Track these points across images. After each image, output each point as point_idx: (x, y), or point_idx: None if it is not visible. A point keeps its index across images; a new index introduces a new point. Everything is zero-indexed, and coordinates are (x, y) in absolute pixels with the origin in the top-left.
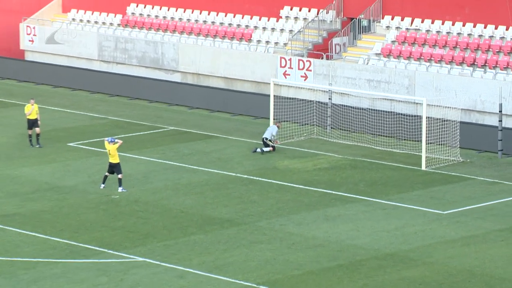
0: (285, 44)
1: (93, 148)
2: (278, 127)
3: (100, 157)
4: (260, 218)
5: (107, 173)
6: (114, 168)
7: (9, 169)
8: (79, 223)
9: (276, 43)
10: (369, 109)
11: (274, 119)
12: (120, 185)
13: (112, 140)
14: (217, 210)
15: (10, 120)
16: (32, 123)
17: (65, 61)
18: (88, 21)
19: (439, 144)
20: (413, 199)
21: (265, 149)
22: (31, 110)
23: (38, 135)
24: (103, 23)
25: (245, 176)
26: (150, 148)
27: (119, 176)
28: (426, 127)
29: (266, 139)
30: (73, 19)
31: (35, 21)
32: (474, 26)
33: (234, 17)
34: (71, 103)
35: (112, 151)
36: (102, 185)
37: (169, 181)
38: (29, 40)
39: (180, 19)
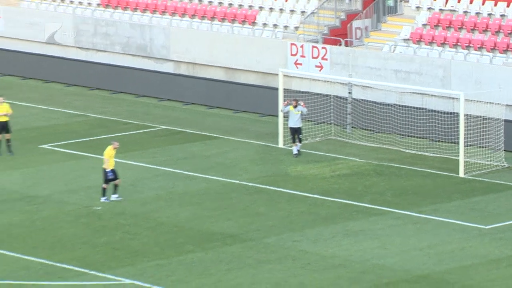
0: (296, 28)
1: (70, 151)
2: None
3: (78, 161)
4: (268, 233)
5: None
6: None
7: None
8: (55, 239)
9: (286, 27)
10: (397, 105)
11: (290, 100)
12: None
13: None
14: (218, 224)
15: None
16: (1, 127)
17: (35, 48)
18: (62, 0)
19: (480, 147)
20: (449, 211)
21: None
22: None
23: (8, 140)
24: (80, 3)
25: (251, 184)
26: (138, 151)
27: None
28: (465, 127)
29: (299, 129)
30: None
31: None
32: None
33: None
34: (44, 97)
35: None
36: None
37: (161, 190)
38: None
39: None
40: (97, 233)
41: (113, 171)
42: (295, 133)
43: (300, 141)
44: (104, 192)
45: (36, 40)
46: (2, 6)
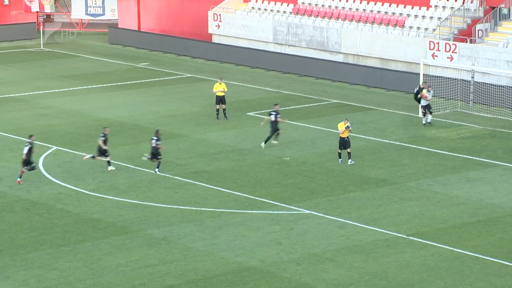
0: (434, 30)
1: (268, 117)
2: (429, 91)
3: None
4: (410, 179)
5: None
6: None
7: (199, 134)
8: (256, 180)
9: (426, 29)
10: (508, 86)
11: (424, 83)
12: (349, 158)
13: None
14: (373, 171)
15: (200, 92)
16: (220, 100)
17: (245, 43)
18: (265, 9)
19: None
20: None
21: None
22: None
23: (224, 110)
24: (278, 11)
25: (397, 143)
26: (316, 118)
27: (348, 150)
28: None
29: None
30: (253, 8)
31: (221, 9)
32: None
33: (389, 6)
34: (251, 78)
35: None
36: (351, 161)
37: (332, 146)
38: (216, 26)
39: (343, 7)
40: (285, 176)
41: (344, 139)
42: (426, 108)
43: (431, 113)
44: (340, 155)
45: (245, 38)
46: (223, 13)
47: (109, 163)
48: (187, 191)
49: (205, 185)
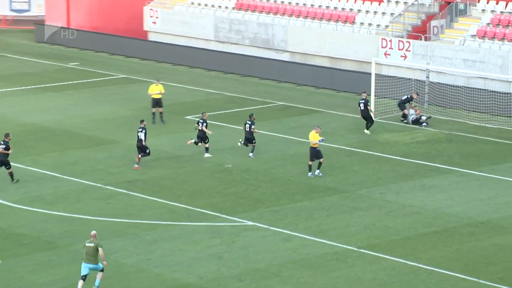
0: (386, 26)
1: (208, 121)
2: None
3: (215, 129)
4: (360, 186)
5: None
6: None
7: (133, 139)
8: (195, 189)
9: (378, 25)
10: (464, 87)
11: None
12: (319, 168)
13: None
14: (321, 179)
15: (134, 94)
16: (156, 102)
17: (184, 41)
18: (206, 4)
19: None
20: (505, 170)
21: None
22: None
23: (161, 113)
24: (219, 6)
25: (348, 148)
26: (260, 121)
27: (321, 160)
28: None
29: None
30: (192, 3)
31: (158, 4)
32: None
33: (339, 1)
34: (190, 79)
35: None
36: (319, 172)
37: (277, 152)
38: (152, 22)
39: (289, 2)
40: (227, 185)
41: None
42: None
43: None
44: (310, 168)
45: (184, 35)
46: (160, 9)
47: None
48: (119, 202)
49: (140, 195)
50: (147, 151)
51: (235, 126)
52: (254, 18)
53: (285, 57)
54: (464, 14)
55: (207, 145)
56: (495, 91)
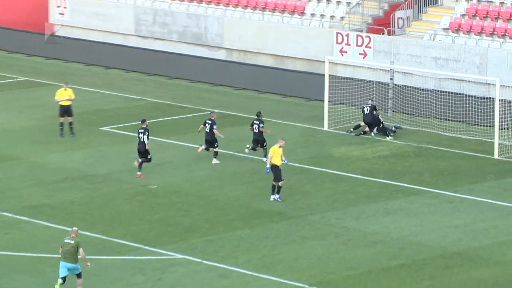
0: (342, 18)
1: (128, 133)
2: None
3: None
4: (313, 211)
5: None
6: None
7: (37, 156)
8: (112, 215)
9: (332, 17)
10: (436, 90)
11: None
12: (278, 192)
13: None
14: (266, 203)
15: (38, 101)
16: (65, 110)
17: (98, 37)
18: None
19: None
20: (484, 191)
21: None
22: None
23: (70, 123)
24: None
25: (297, 164)
26: (191, 133)
27: (280, 184)
28: (500, 111)
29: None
30: None
31: None
32: None
33: None
34: (105, 82)
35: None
36: (280, 197)
37: (213, 170)
38: (59, 13)
39: None
40: (152, 210)
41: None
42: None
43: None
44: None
45: (98, 29)
46: None
47: None
48: (20, 231)
49: (45, 223)
50: (149, 156)
51: (161, 139)
52: (183, 9)
53: (221, 55)
54: (435, 3)
55: (216, 149)
56: (472, 96)
